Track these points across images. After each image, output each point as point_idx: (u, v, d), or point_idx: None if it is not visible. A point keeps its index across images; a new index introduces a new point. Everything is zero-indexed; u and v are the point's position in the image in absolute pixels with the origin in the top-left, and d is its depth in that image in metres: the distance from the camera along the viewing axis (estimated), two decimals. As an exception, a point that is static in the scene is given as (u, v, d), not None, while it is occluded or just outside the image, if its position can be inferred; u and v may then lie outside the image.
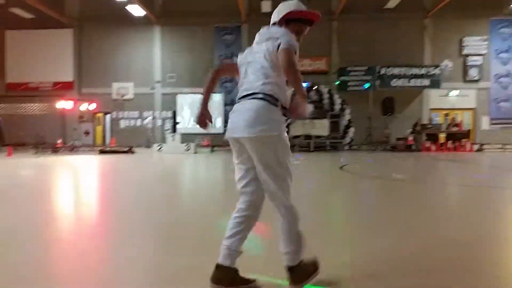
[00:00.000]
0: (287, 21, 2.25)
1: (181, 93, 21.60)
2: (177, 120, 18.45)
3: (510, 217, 4.36)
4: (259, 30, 2.34)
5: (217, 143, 18.14)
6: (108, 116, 22.58)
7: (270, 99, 2.06)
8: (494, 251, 2.89)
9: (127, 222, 3.92)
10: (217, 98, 20.81)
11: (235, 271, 2.14)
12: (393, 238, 3.22)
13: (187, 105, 21.17)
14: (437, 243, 3.05)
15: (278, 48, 2.06)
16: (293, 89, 2.04)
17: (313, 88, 18.37)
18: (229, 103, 21.85)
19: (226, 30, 21.94)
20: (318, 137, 17.00)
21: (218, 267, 2.12)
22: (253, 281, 2.19)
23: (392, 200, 5.25)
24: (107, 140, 21.99)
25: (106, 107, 21.85)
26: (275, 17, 2.29)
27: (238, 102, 2.16)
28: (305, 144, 16.85)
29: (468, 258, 2.69)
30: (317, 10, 2.27)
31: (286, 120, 2.13)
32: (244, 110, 2.08)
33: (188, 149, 15.99)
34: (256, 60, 2.18)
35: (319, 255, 2.26)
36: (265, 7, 19.18)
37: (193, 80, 22.00)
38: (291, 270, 2.12)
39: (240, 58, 2.32)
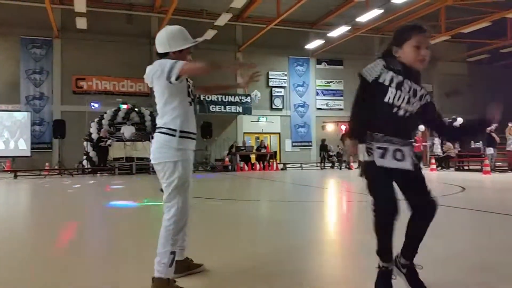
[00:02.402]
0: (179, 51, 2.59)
1: (-26, 109, 18.40)
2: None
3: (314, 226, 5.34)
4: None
5: (23, 167, 16.08)
6: None
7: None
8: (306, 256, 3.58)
9: None
10: (22, 117, 18.49)
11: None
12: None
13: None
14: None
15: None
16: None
17: (135, 109, 18.19)
18: (38, 123, 19.70)
19: (35, 43, 19.84)
20: (140, 159, 16.81)
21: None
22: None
23: (204, 218, 5.74)
24: None
25: None
26: (166, 49, 2.59)
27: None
28: (127, 167, 16.46)
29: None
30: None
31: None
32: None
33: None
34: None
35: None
36: (80, 23, 18.18)
37: (-8, 95, 19.11)
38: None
39: None
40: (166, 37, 2.54)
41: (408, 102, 2.25)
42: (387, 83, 2.27)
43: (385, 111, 2.25)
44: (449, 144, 15.54)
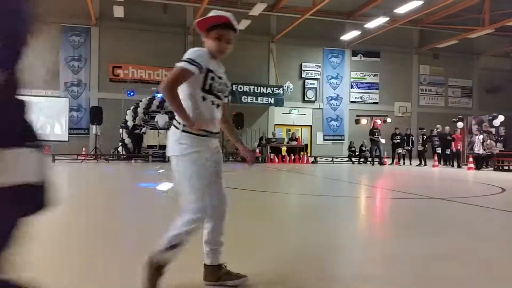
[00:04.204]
0: (207, 30, 2.27)
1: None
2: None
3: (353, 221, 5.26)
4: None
5: (60, 151, 16.67)
6: None
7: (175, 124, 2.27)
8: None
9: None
10: (61, 103, 19.13)
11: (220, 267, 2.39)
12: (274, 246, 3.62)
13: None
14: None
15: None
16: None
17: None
18: (75, 109, 20.36)
19: (74, 30, 20.43)
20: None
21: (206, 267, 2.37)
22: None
23: (245, 210, 5.74)
24: None
25: None
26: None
27: None
28: (160, 155, 16.76)
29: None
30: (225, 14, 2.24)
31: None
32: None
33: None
34: None
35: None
36: (117, 12, 18.55)
37: (33, 82, 19.80)
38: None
39: None
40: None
41: None
42: None
43: None
44: (491, 142, 14.90)
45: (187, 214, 2.20)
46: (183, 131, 2.20)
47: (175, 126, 2.25)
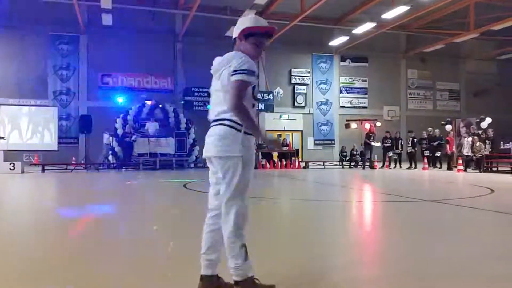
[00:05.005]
0: (246, 36, 2.33)
1: (6, 104, 18.91)
2: (0, 135, 16.10)
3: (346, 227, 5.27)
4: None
5: (49, 161, 16.49)
6: None
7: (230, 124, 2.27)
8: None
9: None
10: (49, 112, 18.92)
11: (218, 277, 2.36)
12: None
13: (13, 118, 18.49)
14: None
15: (232, 75, 2.20)
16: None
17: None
18: (64, 118, 20.18)
19: (62, 39, 20.29)
20: (164, 155, 17.04)
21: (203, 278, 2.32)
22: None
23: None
24: None
25: None
26: (235, 32, 2.37)
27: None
28: (151, 162, 16.70)
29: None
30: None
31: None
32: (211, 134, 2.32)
33: (13, 168, 14.10)
34: (217, 90, 2.35)
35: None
36: (106, 20, 18.48)
37: (21, 91, 19.68)
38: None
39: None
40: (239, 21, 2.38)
41: None
42: None
43: None
44: (480, 144, 15.06)
45: (233, 212, 2.23)
46: (245, 132, 2.25)
47: (234, 128, 2.24)
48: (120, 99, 19.57)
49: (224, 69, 2.27)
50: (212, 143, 2.28)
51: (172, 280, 2.64)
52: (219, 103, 2.31)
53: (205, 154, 2.35)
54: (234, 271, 2.23)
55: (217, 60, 2.37)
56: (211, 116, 2.36)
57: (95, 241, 3.86)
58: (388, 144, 17.65)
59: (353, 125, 20.71)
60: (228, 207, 2.24)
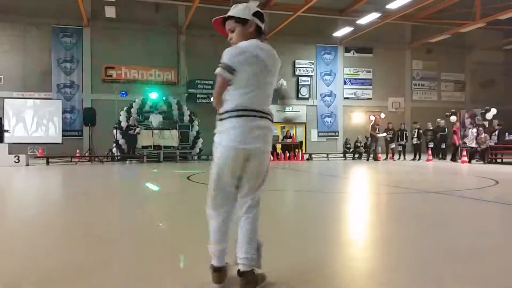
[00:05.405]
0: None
1: (10, 97, 19.01)
2: (5, 128, 16.18)
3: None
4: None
5: (54, 154, 16.56)
6: None
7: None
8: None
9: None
10: (54, 105, 18.97)
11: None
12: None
13: (17, 111, 18.58)
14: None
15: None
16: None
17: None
18: (69, 110, 20.23)
19: (65, 31, 20.28)
20: (167, 147, 17.09)
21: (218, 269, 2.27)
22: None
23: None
24: None
25: None
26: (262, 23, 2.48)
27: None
28: (155, 155, 16.75)
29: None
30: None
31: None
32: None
33: (18, 161, 14.17)
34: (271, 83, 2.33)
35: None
36: (109, 12, 18.45)
37: (25, 84, 19.74)
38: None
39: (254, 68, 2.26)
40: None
41: None
42: None
43: None
44: (485, 135, 14.94)
45: (259, 204, 2.31)
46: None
47: (271, 120, 2.29)
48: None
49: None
50: (266, 135, 2.24)
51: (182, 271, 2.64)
52: (266, 96, 2.31)
53: (254, 145, 2.17)
54: (249, 262, 2.20)
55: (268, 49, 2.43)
56: (256, 106, 2.23)
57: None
58: (390, 136, 17.57)
59: (358, 117, 20.58)
60: (259, 199, 2.33)
